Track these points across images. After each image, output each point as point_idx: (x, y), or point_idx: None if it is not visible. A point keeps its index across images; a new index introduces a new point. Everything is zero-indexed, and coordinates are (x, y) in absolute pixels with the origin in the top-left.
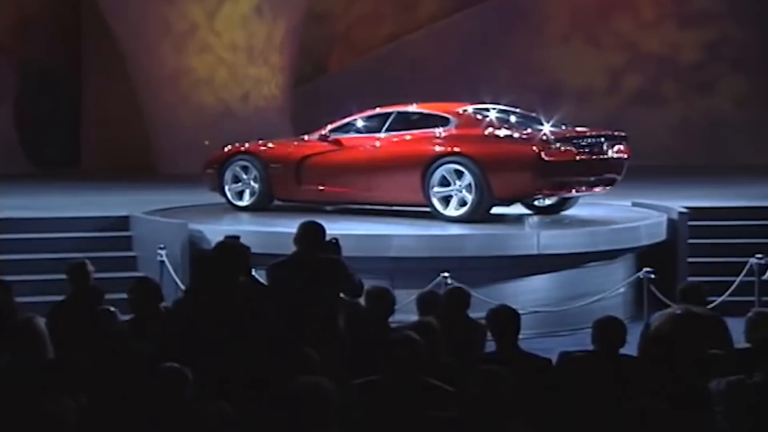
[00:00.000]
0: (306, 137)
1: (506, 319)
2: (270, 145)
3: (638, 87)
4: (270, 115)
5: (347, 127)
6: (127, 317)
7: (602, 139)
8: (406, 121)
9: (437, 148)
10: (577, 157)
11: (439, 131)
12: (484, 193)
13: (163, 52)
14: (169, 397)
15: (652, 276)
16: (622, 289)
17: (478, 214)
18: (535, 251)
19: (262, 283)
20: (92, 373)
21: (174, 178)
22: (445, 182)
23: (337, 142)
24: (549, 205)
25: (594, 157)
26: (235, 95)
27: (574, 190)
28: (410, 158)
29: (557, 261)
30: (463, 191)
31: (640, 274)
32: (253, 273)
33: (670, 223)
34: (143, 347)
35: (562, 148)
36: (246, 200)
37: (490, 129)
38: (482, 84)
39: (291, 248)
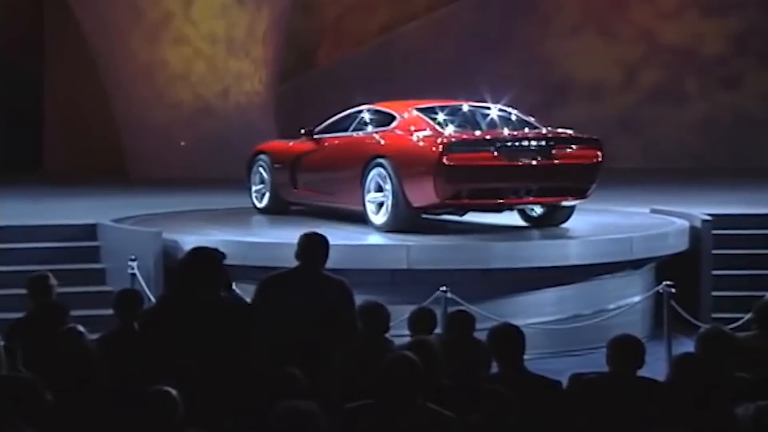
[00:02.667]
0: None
1: (508, 338)
2: (280, 143)
3: (656, 82)
4: (252, 113)
5: (330, 126)
6: (95, 336)
7: (546, 143)
8: (368, 121)
9: (370, 151)
10: (498, 163)
11: (379, 132)
12: (400, 200)
13: (134, 43)
14: (157, 425)
15: (673, 290)
16: (639, 305)
17: (399, 223)
18: (540, 263)
19: (243, 299)
20: (54, 401)
21: (146, 183)
22: (379, 188)
23: (318, 142)
24: (540, 217)
25: (530, 162)
26: (213, 91)
27: (504, 200)
28: (349, 161)
29: (567, 274)
30: (390, 197)
31: (660, 287)
32: (234, 287)
33: (693, 231)
34: (113, 370)
35: (473, 152)
36: (263, 203)
37: (411, 130)
38: (484, 80)
39: (275, 260)
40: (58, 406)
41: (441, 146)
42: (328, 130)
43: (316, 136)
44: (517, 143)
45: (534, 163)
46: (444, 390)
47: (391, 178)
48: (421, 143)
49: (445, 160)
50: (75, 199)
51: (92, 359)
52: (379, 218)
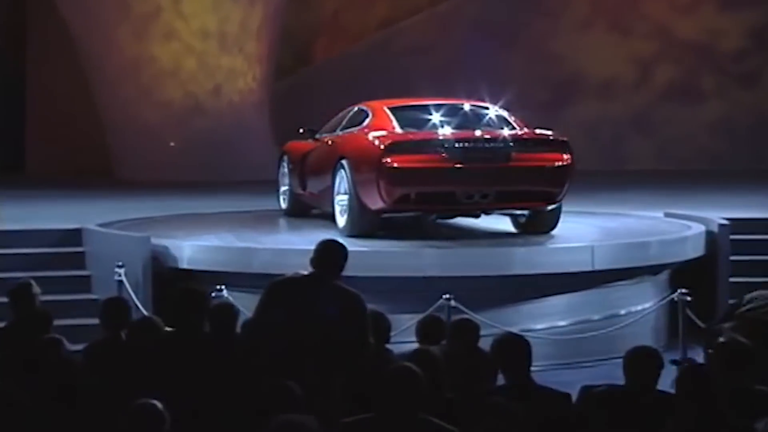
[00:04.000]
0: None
1: (514, 348)
2: (296, 144)
3: (671, 80)
4: (245, 112)
5: (327, 126)
6: (79, 347)
7: (503, 144)
8: (350, 121)
9: (337, 152)
10: (445, 165)
11: (349, 132)
12: (355, 203)
13: (121, 38)
14: None
15: (688, 298)
16: (652, 313)
17: (357, 226)
18: (549, 269)
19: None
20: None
21: (134, 185)
22: (346, 190)
23: (317, 142)
24: (525, 223)
25: (482, 165)
26: (205, 89)
27: (458, 205)
28: (325, 163)
29: (576, 280)
30: (347, 200)
31: (674, 295)
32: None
33: (709, 236)
34: (97, 382)
35: (417, 153)
36: (285, 205)
37: (371, 130)
38: (489, 77)
39: (270, 267)
40: (40, 419)
41: (382, 147)
42: (326, 130)
43: (317, 136)
44: (468, 144)
45: (486, 165)
46: (447, 403)
47: (347, 180)
48: (369, 144)
49: (386, 162)
50: (59, 203)
51: (75, 370)
52: (341, 221)
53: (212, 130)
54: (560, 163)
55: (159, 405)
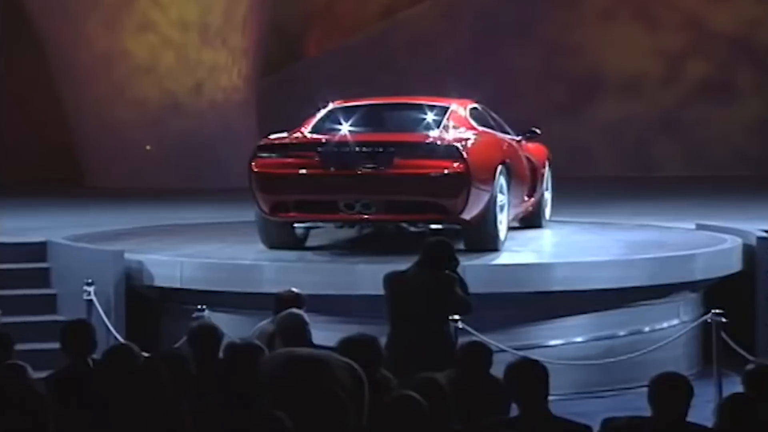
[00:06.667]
0: None
1: (530, 375)
2: None
3: (703, 76)
4: (229, 112)
5: None
6: (43, 374)
7: (384, 149)
8: None
9: None
10: (316, 171)
11: None
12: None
13: (90, 30)
14: None
15: (723, 319)
16: (683, 336)
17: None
18: (568, 286)
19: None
20: None
21: (105, 193)
22: None
23: None
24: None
25: (358, 171)
26: (184, 86)
27: (338, 215)
28: None
29: (598, 299)
30: None
31: (708, 316)
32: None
33: (746, 250)
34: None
35: (286, 158)
36: None
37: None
38: (501, 72)
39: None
40: None
41: (253, 152)
42: None
43: None
44: (344, 148)
45: (363, 171)
46: None
47: None
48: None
49: (253, 168)
50: (20, 213)
51: (41, 401)
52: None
53: (192, 132)
54: (448, 171)
55: None
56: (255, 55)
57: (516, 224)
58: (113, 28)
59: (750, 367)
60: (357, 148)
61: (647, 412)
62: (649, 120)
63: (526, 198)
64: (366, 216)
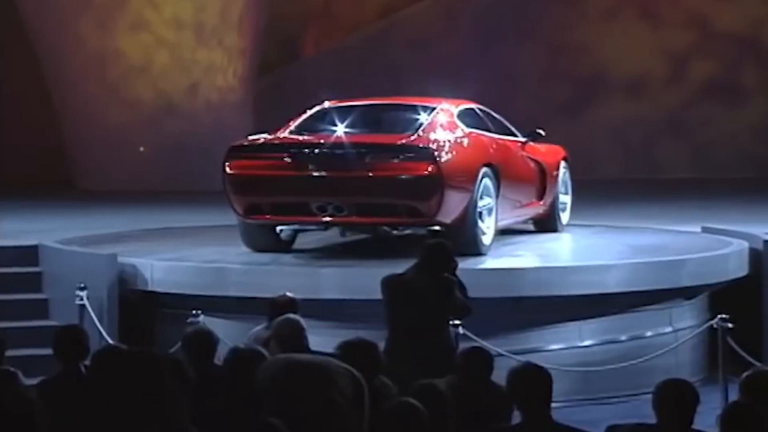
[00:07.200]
0: None
1: (533, 381)
2: None
3: (709, 76)
4: (225, 113)
5: None
6: (34, 380)
7: (356, 151)
8: None
9: None
10: (287, 173)
11: None
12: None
13: (82, 30)
14: None
15: (730, 324)
16: (688, 342)
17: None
18: (572, 291)
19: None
20: None
21: (98, 196)
22: None
23: None
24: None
25: (328, 173)
26: (179, 87)
27: (310, 218)
28: None
29: (601, 303)
30: None
31: (714, 321)
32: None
33: (753, 254)
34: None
35: (257, 159)
36: None
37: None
38: (502, 71)
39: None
40: None
41: (225, 154)
42: None
43: None
44: (316, 150)
45: (335, 173)
46: None
47: None
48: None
49: (226, 169)
50: (12, 216)
51: (31, 407)
52: None
53: (187, 133)
54: (420, 174)
55: None
56: (251, 54)
57: (531, 228)
58: (106, 27)
59: (747, 374)
60: (329, 150)
61: (653, 419)
62: (653, 121)
63: (529, 201)
64: (339, 219)
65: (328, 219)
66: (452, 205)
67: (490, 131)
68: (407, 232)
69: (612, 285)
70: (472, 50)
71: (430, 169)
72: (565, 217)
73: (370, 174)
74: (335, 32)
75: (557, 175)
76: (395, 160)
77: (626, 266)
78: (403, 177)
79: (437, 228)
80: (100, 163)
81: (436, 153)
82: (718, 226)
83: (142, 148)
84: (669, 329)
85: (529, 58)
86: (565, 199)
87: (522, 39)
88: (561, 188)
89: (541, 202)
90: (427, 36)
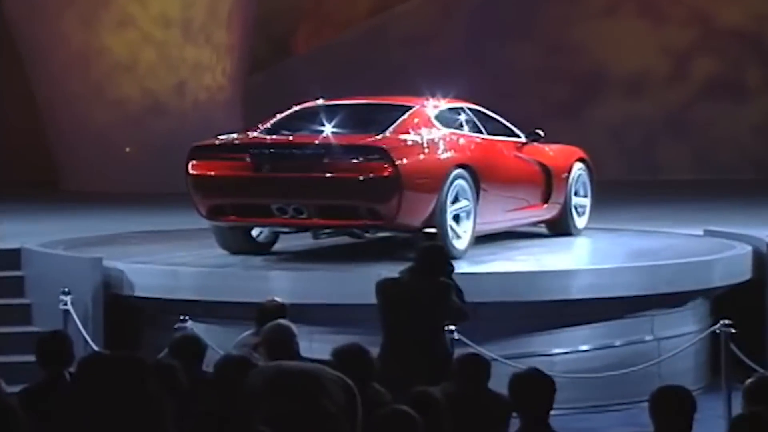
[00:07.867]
0: None
1: (535, 387)
2: None
3: (711, 74)
4: (214, 112)
5: None
6: (17, 388)
7: (313, 151)
8: None
9: None
10: (245, 173)
11: None
12: None
13: (66, 26)
14: None
15: (733, 330)
16: (690, 348)
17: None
18: (569, 295)
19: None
20: None
21: (82, 198)
22: None
23: None
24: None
25: (283, 174)
26: (166, 85)
27: (272, 220)
28: None
29: (600, 308)
30: None
31: (716, 327)
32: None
33: (757, 257)
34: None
35: (217, 159)
36: None
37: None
38: (498, 70)
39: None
40: None
41: (187, 154)
42: None
43: None
44: (273, 150)
45: (291, 174)
46: None
47: None
48: None
49: (188, 170)
50: None
51: (13, 415)
52: None
53: (175, 133)
54: (378, 175)
55: None
56: (240, 52)
57: (545, 231)
58: (90, 24)
59: (751, 380)
60: (288, 151)
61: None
62: (654, 120)
63: (525, 204)
64: (300, 221)
65: (288, 220)
66: (415, 208)
67: (480, 131)
68: (380, 235)
69: (611, 289)
70: (468, 48)
71: (386, 169)
72: (582, 221)
73: (329, 175)
74: (327, 29)
75: (567, 177)
76: (354, 161)
77: (626, 270)
78: (360, 178)
79: (433, 231)
80: (85, 163)
81: (394, 154)
82: (721, 229)
83: (128, 149)
84: (669, 335)
85: (526, 57)
86: (583, 201)
87: (519, 36)
88: (579, 190)
89: (545, 205)
90: (421, 34)
